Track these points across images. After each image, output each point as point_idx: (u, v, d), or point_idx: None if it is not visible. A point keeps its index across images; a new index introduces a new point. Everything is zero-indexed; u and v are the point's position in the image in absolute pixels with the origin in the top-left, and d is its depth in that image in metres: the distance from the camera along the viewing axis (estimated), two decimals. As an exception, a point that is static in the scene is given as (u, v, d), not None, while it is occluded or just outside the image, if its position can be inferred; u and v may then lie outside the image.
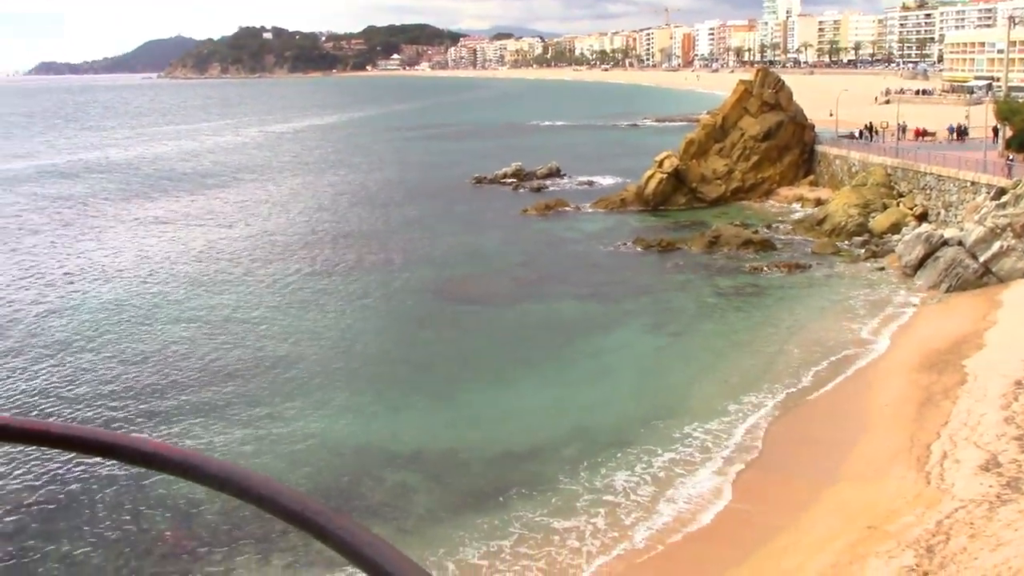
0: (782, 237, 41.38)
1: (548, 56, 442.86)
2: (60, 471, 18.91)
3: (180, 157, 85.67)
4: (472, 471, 19.35)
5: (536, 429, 21.44)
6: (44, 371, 25.81)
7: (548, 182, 59.72)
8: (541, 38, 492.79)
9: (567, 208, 49.59)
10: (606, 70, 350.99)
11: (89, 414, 22.59)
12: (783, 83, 54.08)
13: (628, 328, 29.46)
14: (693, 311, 31.42)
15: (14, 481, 18.68)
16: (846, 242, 39.43)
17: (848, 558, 14.27)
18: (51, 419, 17.33)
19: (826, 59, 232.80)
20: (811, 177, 51.58)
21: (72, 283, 36.04)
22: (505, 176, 60.96)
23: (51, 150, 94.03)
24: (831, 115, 60.73)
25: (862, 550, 14.34)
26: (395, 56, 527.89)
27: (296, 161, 79.85)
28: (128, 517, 17.34)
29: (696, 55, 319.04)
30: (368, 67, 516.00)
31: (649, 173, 49.86)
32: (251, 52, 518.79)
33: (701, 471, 19.01)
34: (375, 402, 23.36)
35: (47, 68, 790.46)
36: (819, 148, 52.75)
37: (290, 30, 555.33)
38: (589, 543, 16.34)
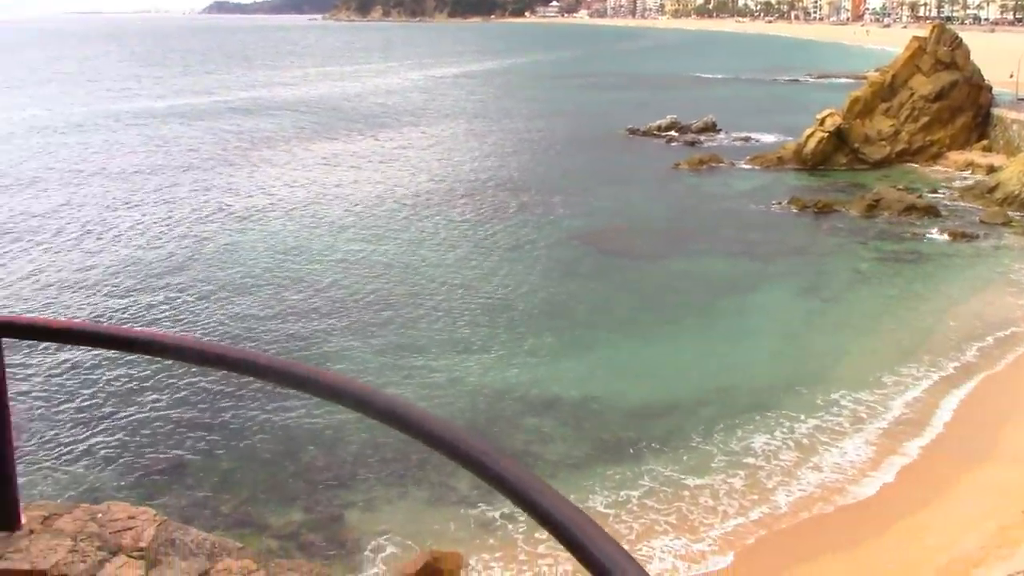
0: (948, 204, 39.27)
1: (710, 6, 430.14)
2: (217, 392, 19.98)
3: (344, 98, 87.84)
4: (607, 422, 19.40)
5: (674, 385, 21.27)
6: (228, 302, 27.11)
7: (703, 136, 58.43)
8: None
9: (721, 164, 48.45)
10: (770, 22, 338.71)
11: (255, 345, 23.73)
12: (960, 40, 50.90)
13: (777, 289, 28.71)
14: (847, 276, 30.31)
15: (173, 399, 19.87)
16: (1019, 213, 37.06)
17: (998, 541, 13.65)
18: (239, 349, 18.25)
19: (1010, 16, 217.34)
20: (984, 142, 48.51)
21: (241, 217, 37.66)
22: (659, 128, 60.00)
23: (223, 88, 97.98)
24: (1011, 77, 56.79)
25: (1015, 535, 13.68)
26: (554, 3, 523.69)
27: (454, 107, 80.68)
28: (280, 438, 18.23)
29: (867, 9, 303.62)
30: (527, 13, 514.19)
31: (809, 131, 48.07)
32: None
33: (849, 441, 18.42)
34: (517, 348, 23.62)
35: (219, 7, 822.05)
36: (995, 111, 49.46)
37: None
38: (725, 503, 16.16)
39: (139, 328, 21.12)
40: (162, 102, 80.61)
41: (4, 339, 3.19)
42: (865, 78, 61.47)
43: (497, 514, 15.42)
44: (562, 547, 1.57)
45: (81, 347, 16.86)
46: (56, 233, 34.27)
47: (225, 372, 2.80)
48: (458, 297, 27.35)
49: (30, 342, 15.68)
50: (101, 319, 25.20)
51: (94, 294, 27.51)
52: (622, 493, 16.44)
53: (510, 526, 15.12)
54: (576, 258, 32.13)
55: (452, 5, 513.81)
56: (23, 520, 3.57)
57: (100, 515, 3.71)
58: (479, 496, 15.90)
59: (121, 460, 17.49)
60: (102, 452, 17.72)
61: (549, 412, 19.88)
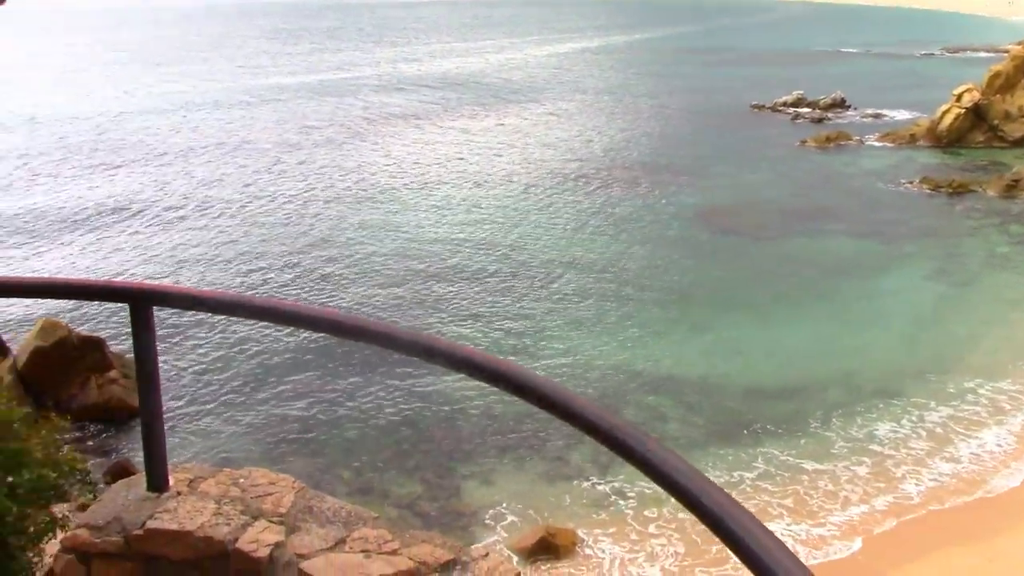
0: (1098, 186, 37.01)
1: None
2: (348, 362, 20.50)
3: (469, 74, 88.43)
4: (722, 402, 19.10)
5: (794, 368, 20.76)
6: (358, 278, 27.76)
7: (830, 113, 56.48)
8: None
9: (849, 141, 46.80)
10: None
11: (383, 314, 24.28)
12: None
13: (906, 272, 27.63)
14: (982, 260, 28.91)
15: (308, 368, 20.49)
16: None
17: None
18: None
19: None
20: None
21: (371, 194, 38.43)
22: (785, 104, 58.36)
23: (352, 65, 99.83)
24: None
25: None
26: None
27: (575, 82, 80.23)
28: (403, 408, 18.62)
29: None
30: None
31: (945, 107, 45.93)
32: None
33: (989, 431, 17.58)
34: (635, 326, 23.45)
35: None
36: None
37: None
38: (847, 489, 15.67)
39: (278, 299, 21.93)
40: (294, 79, 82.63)
41: (154, 308, 3.34)
42: (1007, 52, 58.23)
43: (608, 489, 15.44)
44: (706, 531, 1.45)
45: (224, 317, 17.62)
46: (198, 207, 35.60)
47: (358, 343, 2.87)
48: (576, 275, 27.29)
49: (174, 310, 16.58)
50: (219, 282, 26.16)
51: (230, 268, 28.54)
52: (735, 473, 16.19)
53: (621, 502, 15.08)
54: (696, 236, 31.62)
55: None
56: (171, 483, 3.74)
57: (242, 480, 3.85)
58: (592, 470, 15.96)
59: (256, 426, 18.19)
60: (239, 418, 18.46)
61: (665, 390, 19.70)
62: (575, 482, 15.84)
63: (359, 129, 53.69)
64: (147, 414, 3.67)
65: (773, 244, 30.80)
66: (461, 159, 44.59)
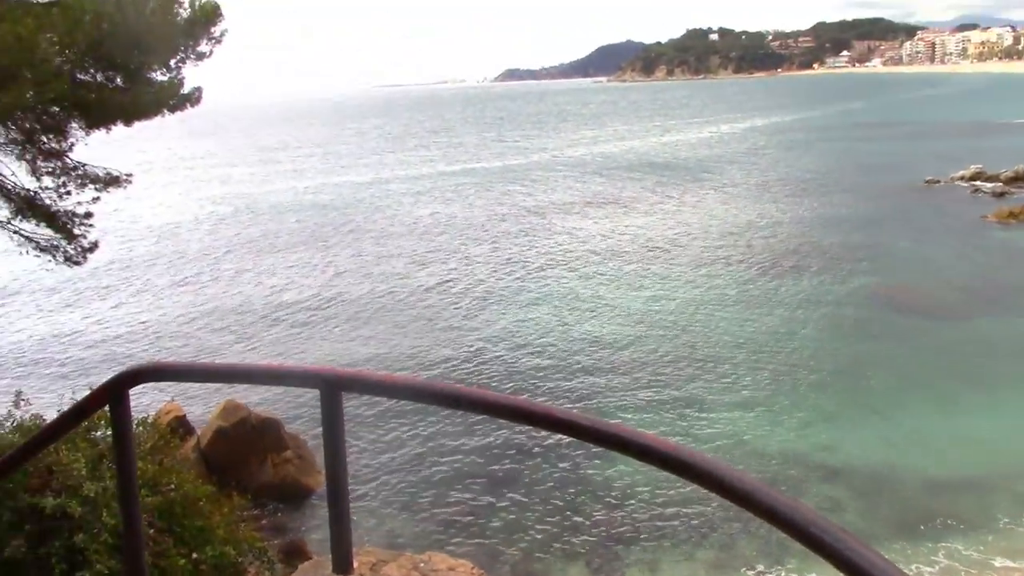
0: None
1: (1020, 47, 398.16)
2: (516, 443, 20.81)
3: (631, 155, 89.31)
4: (903, 493, 18.16)
5: (982, 458, 19.53)
6: (516, 354, 28.35)
7: (1014, 187, 53.77)
8: (1012, 27, 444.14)
9: (1036, 216, 44.39)
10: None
11: (543, 399, 24.56)
12: None
13: (1108, 356, 25.70)
14: None
15: (476, 450, 20.91)
16: None
17: None
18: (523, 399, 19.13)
19: None
20: None
21: (534, 270, 39.16)
22: (962, 178, 56.04)
23: (517, 151, 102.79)
24: None
25: None
26: (844, 53, 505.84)
27: (741, 160, 79.73)
28: (571, 492, 18.66)
29: None
30: (815, 65, 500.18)
31: None
32: (697, 54, 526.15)
33: None
34: (805, 409, 22.74)
35: (510, 75, 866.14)
36: None
37: (736, 30, 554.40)
38: (1039, 589, 14.61)
39: (463, 385, 22.56)
40: (473, 165, 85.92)
41: (344, 392, 3.56)
42: None
43: (782, 580, 14.92)
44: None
45: (406, 401, 18.29)
46: (382, 283, 37.24)
47: (522, 425, 2.98)
48: (746, 356, 26.78)
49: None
50: (404, 366, 27.04)
51: (398, 343, 29.57)
52: (914, 566, 15.32)
53: (796, 596, 14.53)
54: (869, 315, 30.52)
55: (736, 61, 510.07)
56: (355, 565, 3.92)
57: (423, 564, 4.02)
58: (763, 560, 15.44)
59: (426, 507, 18.62)
60: (410, 500, 18.97)
61: (840, 479, 18.93)
62: (745, 572, 15.40)
63: (523, 211, 54.89)
64: (334, 496, 3.81)
65: (956, 324, 29.33)
66: (628, 238, 44.81)
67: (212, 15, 11.89)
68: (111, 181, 12.67)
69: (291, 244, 47.85)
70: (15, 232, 12.65)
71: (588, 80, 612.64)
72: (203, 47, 11.98)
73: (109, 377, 4.00)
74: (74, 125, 11.80)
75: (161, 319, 34.00)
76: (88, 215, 13.00)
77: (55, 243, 12.93)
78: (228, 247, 47.73)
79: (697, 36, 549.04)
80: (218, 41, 12.07)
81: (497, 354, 28.14)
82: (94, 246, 13.29)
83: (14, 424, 9.94)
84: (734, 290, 34.33)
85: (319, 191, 70.35)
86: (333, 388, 3.50)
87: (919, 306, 31.35)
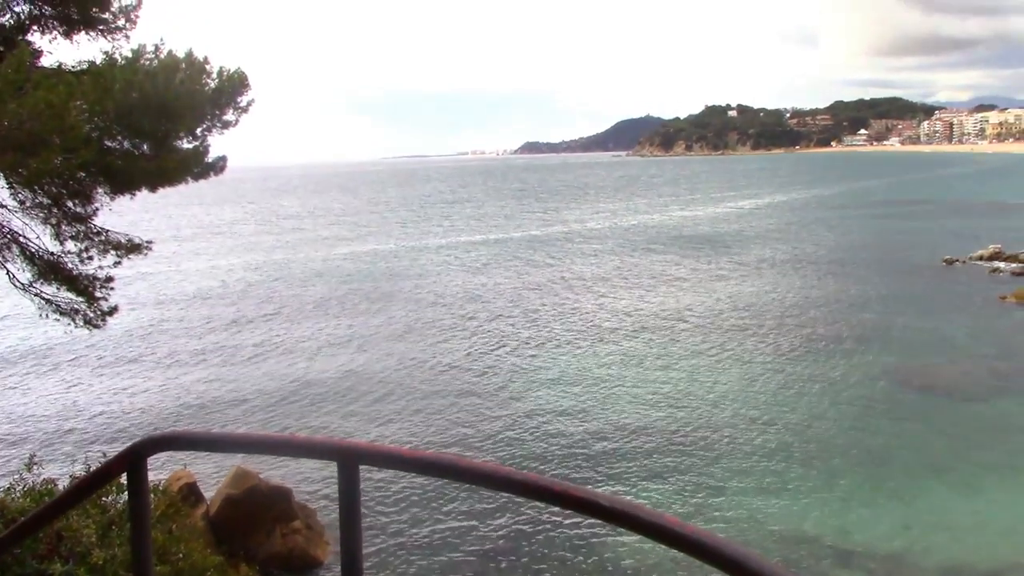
0: None
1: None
2: (534, 519, 20.53)
3: (650, 229, 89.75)
4: (925, 579, 17.75)
5: (1005, 545, 19.09)
6: (533, 430, 28.18)
7: (1034, 267, 53.64)
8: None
9: (1057, 296, 44.10)
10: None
11: (556, 468, 24.30)
12: None
13: None
14: None
15: (486, 525, 20.63)
16: None
17: None
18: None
19: None
20: None
21: (552, 344, 39.08)
22: (981, 258, 55.94)
23: (541, 223, 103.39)
24: None
25: None
26: (862, 131, 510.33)
27: (759, 236, 79.96)
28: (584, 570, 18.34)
29: None
30: (833, 143, 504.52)
31: None
32: (715, 130, 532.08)
33: None
34: (823, 491, 22.36)
35: (530, 147, 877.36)
36: None
37: (755, 107, 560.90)
38: None
39: (475, 459, 22.33)
40: (488, 235, 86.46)
41: (361, 466, 3.52)
42: None
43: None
44: None
45: (423, 476, 18.16)
46: (406, 356, 37.25)
47: (542, 503, 2.92)
48: (761, 435, 26.48)
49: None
50: (423, 441, 26.88)
51: (418, 417, 29.43)
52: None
53: None
54: (888, 395, 30.17)
55: (755, 138, 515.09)
56: None
57: None
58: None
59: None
60: (417, 570, 18.69)
61: (857, 564, 18.50)
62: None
63: (545, 282, 55.03)
64: (348, 570, 3.77)
65: (978, 406, 28.93)
66: (649, 314, 44.74)
67: (240, 84, 12.13)
68: (132, 248, 12.81)
69: (315, 313, 48.04)
70: (36, 295, 12.76)
71: (607, 154, 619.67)
72: (229, 116, 12.20)
73: (127, 445, 3.98)
74: (99, 190, 11.98)
75: (182, 387, 34.01)
76: (109, 279, 13.12)
77: (76, 306, 13.03)
78: (253, 316, 47.92)
79: (716, 112, 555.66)
80: (244, 110, 12.30)
81: (519, 431, 27.94)
82: (114, 310, 13.39)
83: (24, 489, 9.89)
84: (753, 368, 34.09)
85: (344, 260, 70.89)
86: (351, 461, 3.47)
87: (939, 386, 31.01)
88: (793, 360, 34.95)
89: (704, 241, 77.49)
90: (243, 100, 12.21)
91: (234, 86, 12.06)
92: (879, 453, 25.03)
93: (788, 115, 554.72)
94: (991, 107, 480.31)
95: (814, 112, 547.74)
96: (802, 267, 59.71)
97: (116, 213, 12.44)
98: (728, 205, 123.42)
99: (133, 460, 3.95)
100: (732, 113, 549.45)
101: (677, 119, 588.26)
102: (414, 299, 51.07)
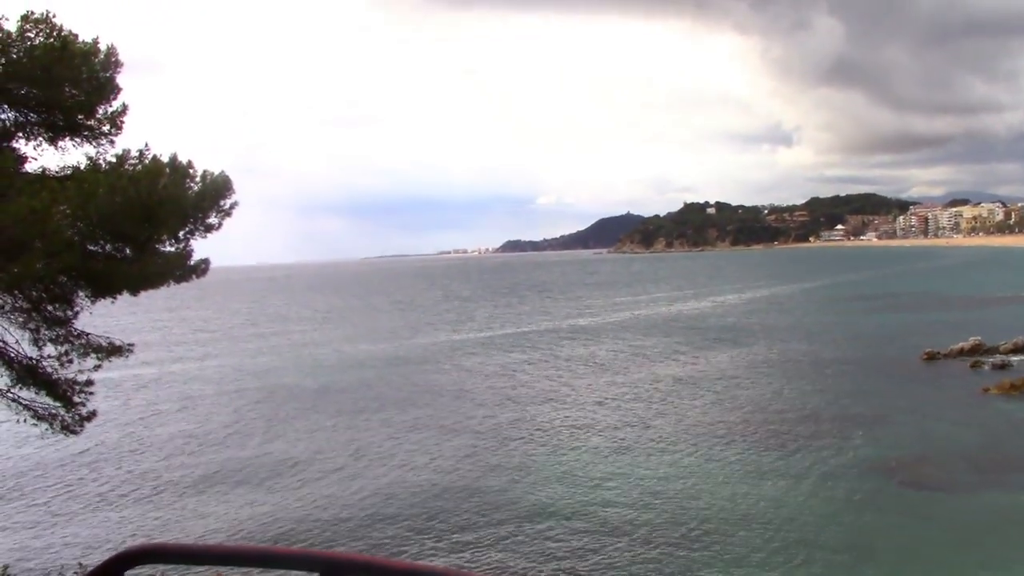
0: None
1: (1011, 222, 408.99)
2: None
3: (633, 325, 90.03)
4: None
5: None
6: (515, 530, 27.71)
7: (1014, 359, 53.94)
8: (1002, 203, 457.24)
9: (1038, 388, 44.25)
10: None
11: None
12: None
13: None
14: None
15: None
16: None
17: None
18: None
19: None
20: None
21: (536, 443, 38.75)
22: (962, 351, 56.22)
23: (522, 318, 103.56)
24: None
25: None
26: (839, 227, 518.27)
27: (739, 332, 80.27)
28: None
29: None
30: (811, 238, 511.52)
31: None
32: (695, 226, 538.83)
33: None
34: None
35: (512, 246, 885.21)
36: None
37: (733, 204, 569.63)
38: None
39: (456, 567, 21.80)
40: (463, 335, 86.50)
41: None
42: None
43: None
44: None
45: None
46: (364, 456, 36.77)
47: None
48: (747, 531, 26.15)
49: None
50: (415, 540, 26.36)
51: (409, 521, 28.95)
52: None
53: None
54: (874, 490, 29.94)
55: (734, 234, 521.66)
56: None
57: None
58: None
59: None
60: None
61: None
62: None
63: (530, 379, 54.86)
64: None
65: (963, 500, 28.72)
66: (635, 407, 44.56)
67: (224, 188, 12.30)
68: (114, 350, 12.76)
69: (301, 415, 47.53)
70: (13, 400, 12.64)
71: (589, 251, 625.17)
72: (213, 219, 12.33)
73: (105, 559, 3.91)
74: (80, 294, 11.99)
75: (163, 496, 33.44)
76: (89, 383, 13.02)
77: (53, 411, 12.89)
78: (237, 418, 47.47)
79: (695, 210, 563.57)
80: (228, 213, 12.44)
81: (505, 531, 27.55)
82: (92, 415, 13.26)
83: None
84: (741, 462, 33.88)
85: (334, 361, 70.57)
86: (333, 571, 3.44)
87: (926, 479, 30.85)
88: (781, 454, 34.74)
89: (692, 335, 77.72)
90: (226, 203, 12.36)
91: (218, 189, 12.22)
92: (867, 547, 24.72)
93: (766, 211, 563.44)
94: (964, 201, 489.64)
95: (791, 208, 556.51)
96: (788, 362, 59.85)
97: (97, 315, 12.44)
98: (713, 299, 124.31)
99: (110, 574, 3.87)
100: (711, 210, 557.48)
101: (657, 217, 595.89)
102: (407, 399, 50.70)
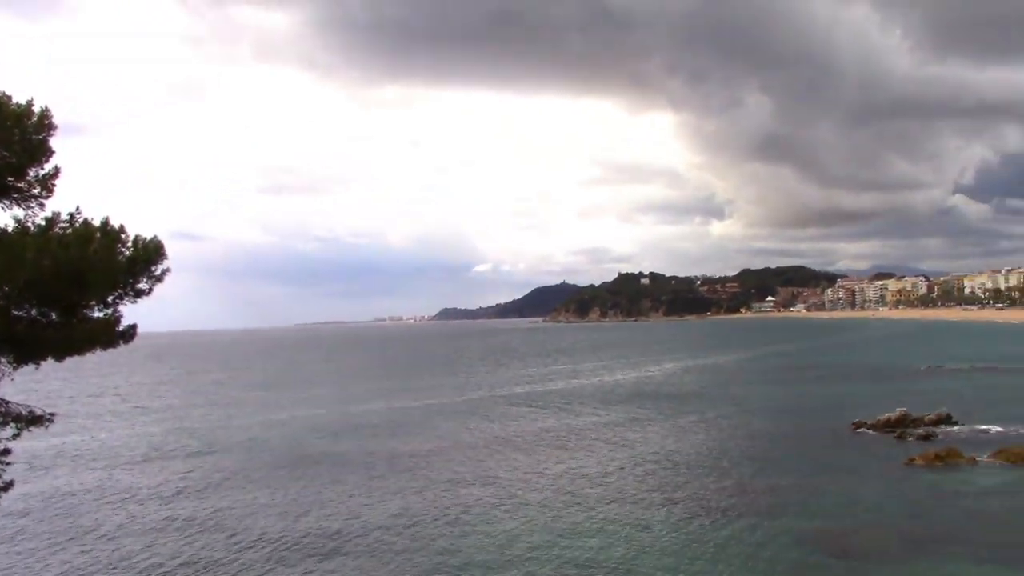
0: None
1: (933, 295, 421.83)
2: None
3: (565, 394, 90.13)
4: None
5: None
6: None
7: (937, 429, 55.23)
8: (925, 277, 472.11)
9: (961, 459, 45.15)
10: (1000, 308, 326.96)
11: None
12: None
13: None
14: None
15: None
16: None
17: None
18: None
19: None
20: None
21: (465, 510, 38.31)
22: (888, 421, 57.38)
23: (467, 387, 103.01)
24: None
25: None
26: (769, 298, 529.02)
27: (669, 402, 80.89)
28: None
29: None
30: (742, 309, 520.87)
31: (1060, 423, 44.49)
32: (629, 296, 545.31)
33: None
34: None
35: (448, 314, 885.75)
36: None
37: (666, 275, 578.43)
38: None
39: None
40: (431, 400, 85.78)
41: None
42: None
43: None
44: None
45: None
46: (270, 538, 35.98)
47: None
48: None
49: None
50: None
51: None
52: None
53: None
54: (803, 560, 30.14)
55: (668, 304, 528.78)
56: None
57: None
58: None
59: None
60: None
61: None
62: None
63: (457, 449, 54.41)
64: None
65: (892, 569, 29.09)
66: (567, 477, 44.41)
67: (155, 253, 12.20)
68: (33, 420, 12.44)
69: (235, 484, 46.43)
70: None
71: (525, 320, 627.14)
72: (143, 284, 12.20)
73: None
74: (2, 360, 11.71)
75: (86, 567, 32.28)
76: (6, 451, 12.65)
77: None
78: (169, 488, 46.21)
79: (629, 280, 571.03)
80: (159, 279, 12.33)
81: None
82: (9, 485, 12.86)
83: None
84: (666, 530, 33.90)
85: (267, 427, 69.28)
86: None
87: (854, 550, 31.17)
88: (711, 523, 34.83)
89: (628, 405, 78.12)
90: (158, 269, 12.26)
91: (149, 255, 12.13)
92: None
93: (699, 282, 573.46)
94: (889, 275, 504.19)
95: (723, 280, 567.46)
96: (721, 431, 60.40)
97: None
98: (650, 369, 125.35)
99: None
100: (645, 280, 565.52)
101: (592, 286, 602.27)
102: (340, 466, 49.89)
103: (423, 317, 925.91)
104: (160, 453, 57.42)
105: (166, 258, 12.32)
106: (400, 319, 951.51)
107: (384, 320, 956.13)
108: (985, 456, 45.60)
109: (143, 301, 12.33)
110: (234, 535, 35.33)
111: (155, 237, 12.35)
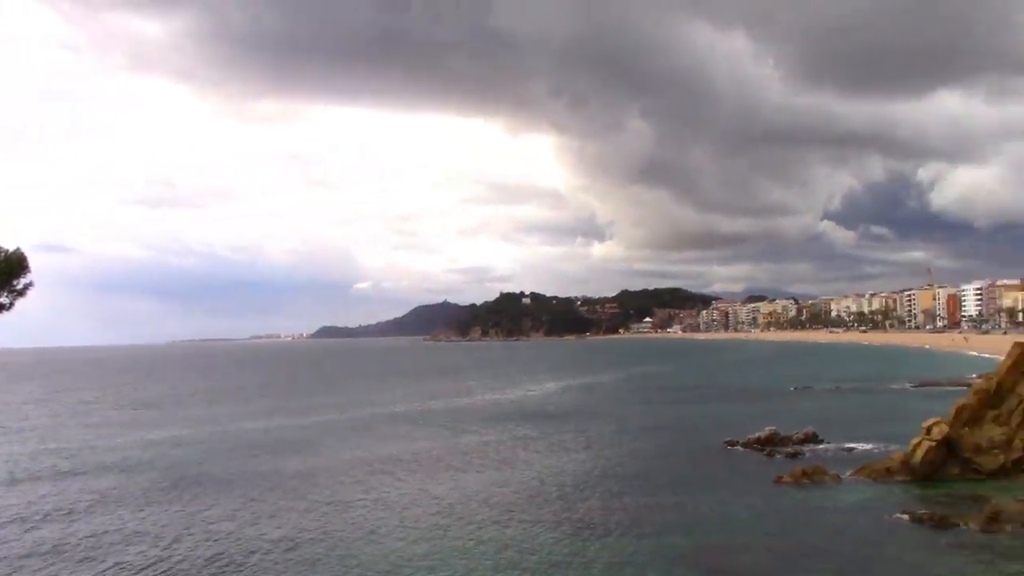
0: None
1: (802, 318, 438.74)
2: None
3: (444, 414, 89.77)
4: None
5: None
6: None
7: (804, 448, 57.37)
8: (795, 300, 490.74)
9: (826, 476, 46.88)
10: (864, 331, 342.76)
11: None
12: (1067, 342, 50.18)
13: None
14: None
15: None
16: None
17: None
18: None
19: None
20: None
21: (353, 532, 37.63)
22: (758, 441, 59.23)
23: (334, 407, 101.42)
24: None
25: None
26: (647, 319, 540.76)
27: (546, 422, 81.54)
28: None
29: (963, 316, 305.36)
30: (621, 330, 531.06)
31: (916, 440, 46.62)
32: (510, 316, 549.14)
33: None
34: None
35: (327, 332, 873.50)
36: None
37: (547, 295, 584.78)
38: None
39: None
40: (285, 420, 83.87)
41: None
42: (969, 385, 60.43)
43: None
44: None
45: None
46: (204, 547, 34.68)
47: None
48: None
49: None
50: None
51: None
52: None
53: None
54: (678, 578, 30.73)
55: (548, 324, 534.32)
56: None
57: None
58: None
59: None
60: None
61: None
62: None
63: (343, 469, 53.55)
64: None
65: (761, 586, 29.91)
66: (447, 494, 44.18)
67: (18, 267, 11.68)
68: None
69: (108, 507, 44.31)
70: None
71: (406, 338, 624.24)
72: (3, 299, 11.64)
73: None
74: None
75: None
76: None
77: None
78: (36, 511, 43.84)
79: (510, 300, 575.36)
80: (21, 294, 11.80)
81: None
82: None
83: None
84: (535, 549, 33.88)
85: (142, 447, 66.67)
86: None
87: (722, 567, 31.92)
88: (581, 542, 34.94)
89: (507, 423, 78.40)
90: (20, 283, 11.73)
91: (11, 268, 11.59)
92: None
93: (579, 303, 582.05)
94: (761, 298, 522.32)
95: (603, 301, 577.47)
96: (595, 450, 61.09)
97: None
98: (531, 388, 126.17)
99: None
100: (526, 300, 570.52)
101: (473, 306, 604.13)
102: (215, 487, 48.34)
103: (301, 335, 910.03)
104: (27, 474, 54.64)
105: (29, 271, 11.79)
106: (277, 336, 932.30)
107: (260, 338, 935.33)
108: (848, 473, 47.49)
109: (3, 316, 11.75)
110: (104, 562, 33.77)
111: (18, 249, 11.81)
